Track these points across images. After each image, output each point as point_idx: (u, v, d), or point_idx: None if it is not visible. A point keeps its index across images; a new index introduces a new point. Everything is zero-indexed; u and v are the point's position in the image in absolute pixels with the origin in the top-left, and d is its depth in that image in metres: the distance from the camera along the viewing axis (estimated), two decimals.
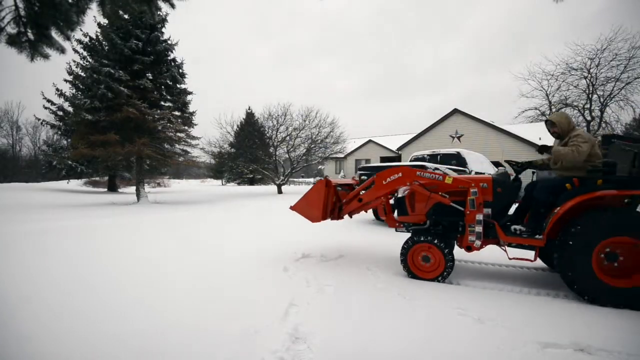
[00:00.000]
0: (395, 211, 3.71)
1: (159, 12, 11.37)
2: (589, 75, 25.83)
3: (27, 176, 31.41)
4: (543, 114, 29.25)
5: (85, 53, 14.17)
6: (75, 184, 21.71)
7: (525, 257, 3.09)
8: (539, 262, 3.52)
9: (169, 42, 13.34)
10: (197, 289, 2.88)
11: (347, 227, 6.35)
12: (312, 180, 32.09)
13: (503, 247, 3.17)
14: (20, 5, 1.59)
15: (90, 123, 11.46)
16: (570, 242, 2.63)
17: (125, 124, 11.54)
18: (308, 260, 3.87)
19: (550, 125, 3.10)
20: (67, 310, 2.39)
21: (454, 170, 6.62)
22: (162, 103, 13.55)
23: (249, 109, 29.03)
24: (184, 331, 2.08)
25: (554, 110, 28.52)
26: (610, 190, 2.64)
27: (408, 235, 3.47)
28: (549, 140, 17.77)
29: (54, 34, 1.74)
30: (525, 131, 17.39)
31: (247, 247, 4.61)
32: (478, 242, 2.96)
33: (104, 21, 12.27)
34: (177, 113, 13.89)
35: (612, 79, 24.89)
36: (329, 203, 3.78)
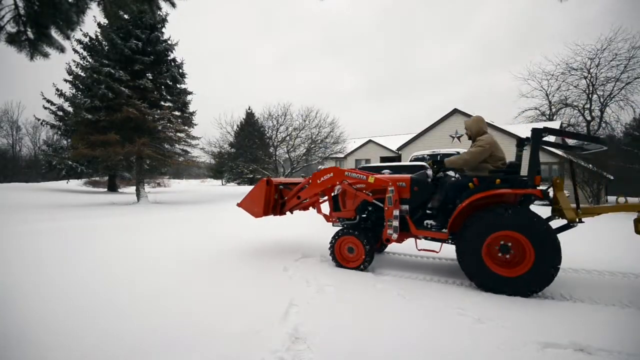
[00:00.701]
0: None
1: (159, 12, 11.39)
2: (589, 75, 25.84)
3: (27, 176, 31.40)
4: (543, 114, 29.29)
5: (85, 53, 14.18)
6: (75, 184, 21.71)
7: (431, 249, 3.62)
8: None
9: (169, 42, 13.35)
10: (196, 289, 2.88)
11: None
12: None
13: (419, 240, 3.55)
14: (20, 4, 1.59)
15: (91, 123, 11.47)
16: (465, 235, 2.95)
17: (125, 124, 11.55)
18: (308, 260, 3.87)
19: (465, 128, 3.44)
20: (63, 309, 2.39)
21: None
22: (162, 103, 13.56)
23: (249, 109, 29.04)
24: (183, 331, 2.08)
25: (554, 110, 28.55)
26: (504, 189, 2.90)
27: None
28: (548, 140, 17.68)
29: (54, 33, 1.74)
30: (525, 131, 17.40)
31: (246, 246, 4.61)
32: (395, 235, 3.26)
33: (104, 21, 12.28)
34: (177, 113, 13.90)
35: (612, 79, 24.90)
36: (270, 200, 4.09)
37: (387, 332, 2.11)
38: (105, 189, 20.41)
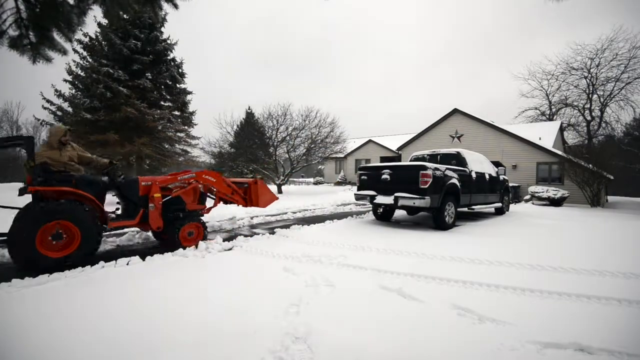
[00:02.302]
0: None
1: (160, 13, 11.42)
2: (589, 75, 25.87)
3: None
4: (543, 113, 29.30)
5: (85, 53, 14.18)
6: None
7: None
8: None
9: (169, 41, 13.35)
10: (194, 289, 2.88)
11: (348, 228, 6.35)
12: (311, 180, 32.10)
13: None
14: (22, 7, 1.59)
15: (90, 122, 11.47)
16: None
17: (124, 124, 11.55)
18: (308, 260, 3.87)
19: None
20: (66, 310, 2.39)
21: (454, 170, 6.62)
22: (162, 103, 13.56)
23: (249, 109, 29.01)
24: (182, 331, 2.09)
25: (554, 110, 28.55)
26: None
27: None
28: (548, 140, 17.53)
29: (56, 35, 1.74)
30: (525, 131, 17.42)
31: (245, 245, 4.61)
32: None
33: (104, 21, 12.28)
34: (176, 113, 13.91)
35: (613, 79, 24.95)
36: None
37: (387, 332, 2.12)
38: None
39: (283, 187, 18.13)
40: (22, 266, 3.39)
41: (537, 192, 13.47)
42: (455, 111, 17.56)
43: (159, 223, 4.39)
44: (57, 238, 3.57)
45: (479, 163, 7.97)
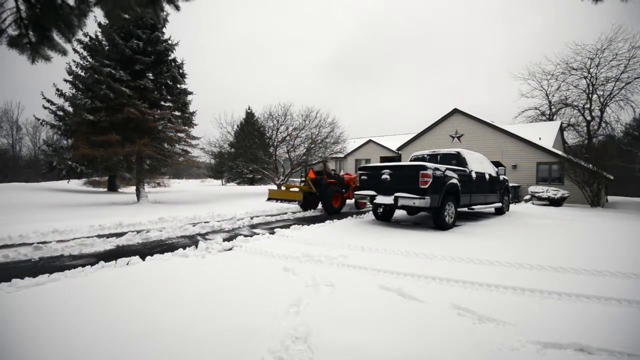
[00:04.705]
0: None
1: (162, 14, 11.43)
2: (589, 75, 25.87)
3: (27, 176, 31.41)
4: (543, 113, 29.31)
5: (85, 53, 14.17)
6: (75, 183, 21.68)
7: None
8: None
9: (170, 42, 13.36)
10: (195, 289, 2.88)
11: (348, 228, 6.35)
12: None
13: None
14: (22, 7, 1.59)
15: (92, 123, 11.46)
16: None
17: (125, 124, 11.54)
18: (308, 260, 3.87)
19: None
20: (65, 310, 2.40)
21: (454, 170, 6.62)
22: (163, 103, 13.57)
23: (249, 109, 29.02)
24: (182, 331, 2.09)
25: (554, 110, 28.54)
26: None
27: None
28: (548, 140, 17.54)
29: (55, 36, 1.74)
30: (525, 131, 17.41)
31: (246, 245, 4.61)
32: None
33: (104, 21, 12.29)
34: (177, 113, 13.92)
35: (612, 79, 24.95)
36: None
37: (387, 333, 2.12)
38: (106, 189, 20.38)
39: (283, 187, 18.10)
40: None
41: (537, 192, 13.46)
42: (455, 111, 17.55)
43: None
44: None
45: (479, 163, 7.96)
